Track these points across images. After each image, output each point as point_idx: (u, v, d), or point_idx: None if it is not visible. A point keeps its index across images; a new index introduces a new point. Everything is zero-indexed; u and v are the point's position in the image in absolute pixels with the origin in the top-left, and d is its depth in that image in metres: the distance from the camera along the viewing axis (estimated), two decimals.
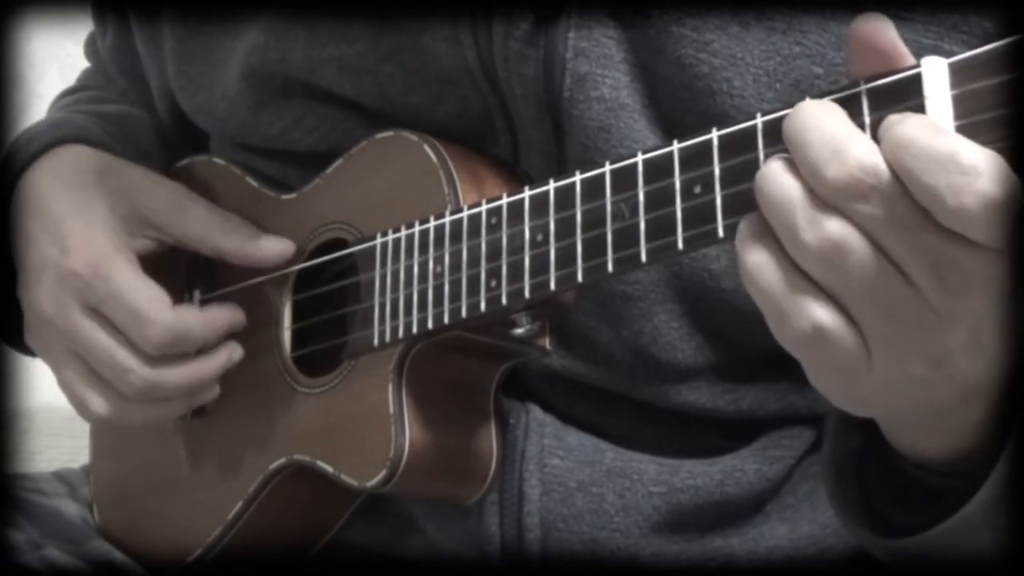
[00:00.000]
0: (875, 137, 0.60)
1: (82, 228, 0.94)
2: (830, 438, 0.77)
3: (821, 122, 0.60)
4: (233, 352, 0.94)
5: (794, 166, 0.60)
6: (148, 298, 0.91)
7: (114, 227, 0.94)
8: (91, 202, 0.95)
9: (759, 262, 0.62)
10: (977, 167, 0.56)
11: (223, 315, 0.94)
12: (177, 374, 0.92)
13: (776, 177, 0.61)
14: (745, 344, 0.87)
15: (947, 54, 0.64)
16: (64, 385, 0.96)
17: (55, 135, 1.01)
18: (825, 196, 0.59)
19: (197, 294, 0.99)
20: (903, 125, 0.58)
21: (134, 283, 0.92)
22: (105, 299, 0.92)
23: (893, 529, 0.73)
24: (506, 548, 0.91)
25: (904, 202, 0.58)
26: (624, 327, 0.87)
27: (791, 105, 0.64)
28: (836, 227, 0.59)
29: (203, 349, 0.94)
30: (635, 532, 0.89)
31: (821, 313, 0.61)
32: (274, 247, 0.94)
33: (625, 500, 0.89)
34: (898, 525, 0.73)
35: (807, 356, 0.64)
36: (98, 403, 0.94)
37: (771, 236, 0.62)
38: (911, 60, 0.62)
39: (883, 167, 0.58)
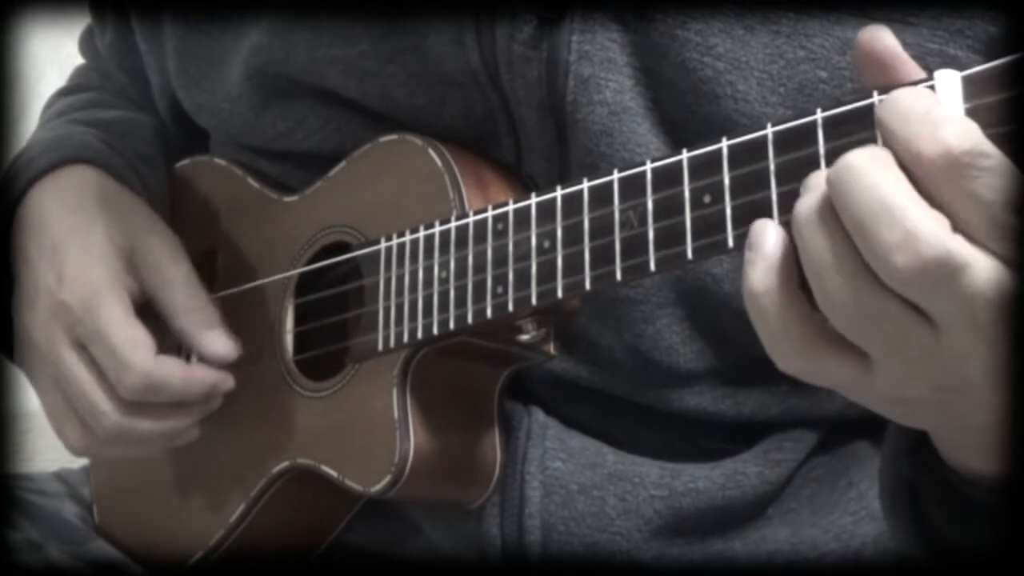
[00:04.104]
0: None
1: (80, 257, 0.93)
2: (884, 466, 0.77)
3: (882, 192, 0.56)
4: (212, 402, 0.94)
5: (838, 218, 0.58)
6: (130, 340, 0.90)
7: (111, 258, 0.93)
8: (90, 227, 0.94)
9: (760, 291, 0.61)
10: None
11: (207, 377, 0.93)
12: (149, 423, 0.92)
13: (816, 232, 0.59)
14: (747, 348, 0.86)
15: (953, 59, 0.64)
16: (46, 412, 0.95)
17: (57, 156, 0.99)
18: (874, 268, 0.57)
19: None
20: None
21: (119, 323, 0.91)
22: (90, 335, 0.91)
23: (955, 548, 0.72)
24: (507, 550, 0.91)
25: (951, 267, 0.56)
26: (626, 331, 0.87)
27: (798, 110, 0.64)
28: (873, 297, 0.58)
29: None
30: (636, 535, 0.89)
31: (823, 348, 0.61)
32: (217, 349, 0.93)
33: (626, 503, 0.89)
34: (960, 544, 0.73)
35: (806, 379, 0.63)
36: (74, 437, 0.93)
37: (785, 271, 0.60)
38: (913, 65, 0.62)
39: (953, 249, 0.56)
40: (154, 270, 0.94)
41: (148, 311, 0.94)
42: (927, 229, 0.56)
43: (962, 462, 0.70)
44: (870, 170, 0.57)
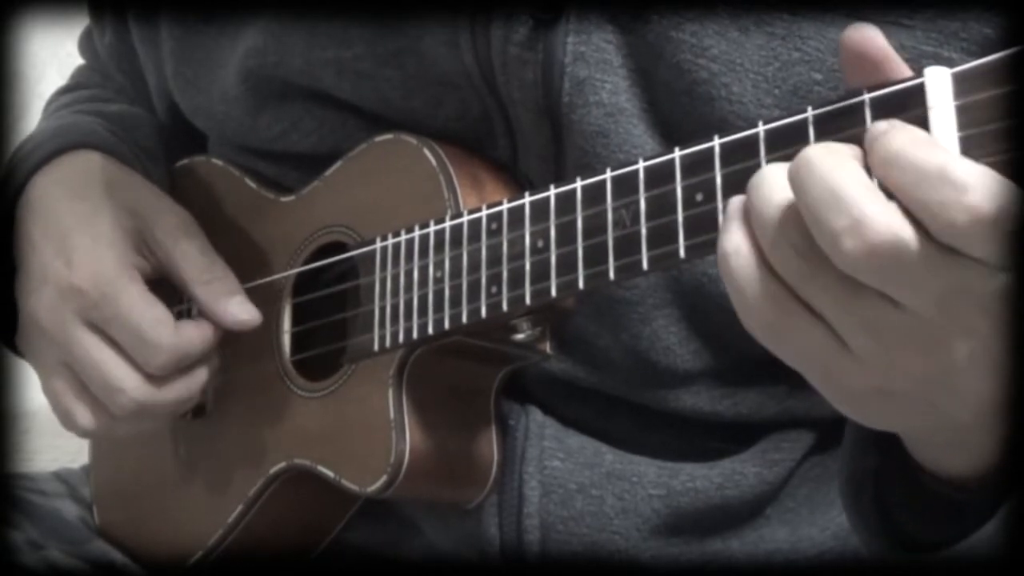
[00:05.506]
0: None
1: (88, 243, 0.93)
2: (847, 457, 0.76)
3: (834, 182, 0.57)
4: (211, 361, 0.94)
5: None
6: (153, 320, 0.91)
7: (120, 243, 0.94)
8: (97, 213, 0.95)
9: (734, 249, 0.61)
10: (967, 183, 0.55)
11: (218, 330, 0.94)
12: (166, 396, 0.92)
13: (772, 195, 0.60)
14: (744, 348, 0.86)
15: (947, 61, 0.64)
16: (51, 395, 0.95)
17: (62, 141, 1.00)
18: (827, 252, 0.58)
19: None
20: (892, 139, 0.57)
21: (139, 305, 0.91)
22: (110, 320, 0.91)
23: (915, 542, 0.72)
24: (505, 549, 0.91)
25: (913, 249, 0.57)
26: (622, 331, 0.87)
27: (791, 111, 0.64)
28: (828, 276, 0.58)
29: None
30: (634, 534, 0.89)
31: (791, 309, 0.60)
32: (240, 315, 0.93)
33: (624, 503, 0.89)
34: (920, 538, 0.73)
35: (778, 350, 0.63)
36: (85, 417, 0.93)
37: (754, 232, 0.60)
38: (904, 67, 0.61)
39: (903, 235, 0.56)
40: (167, 246, 0.95)
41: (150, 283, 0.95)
42: (874, 215, 0.56)
43: (930, 460, 0.71)
44: (824, 161, 0.58)
